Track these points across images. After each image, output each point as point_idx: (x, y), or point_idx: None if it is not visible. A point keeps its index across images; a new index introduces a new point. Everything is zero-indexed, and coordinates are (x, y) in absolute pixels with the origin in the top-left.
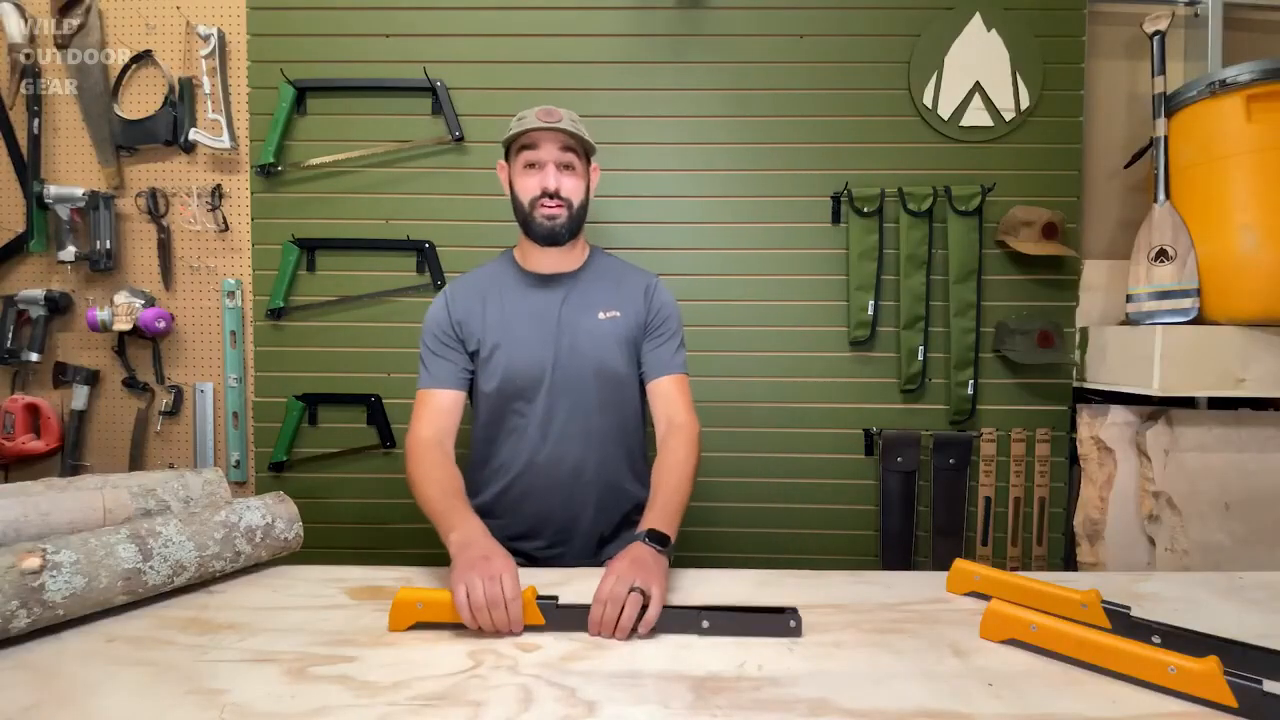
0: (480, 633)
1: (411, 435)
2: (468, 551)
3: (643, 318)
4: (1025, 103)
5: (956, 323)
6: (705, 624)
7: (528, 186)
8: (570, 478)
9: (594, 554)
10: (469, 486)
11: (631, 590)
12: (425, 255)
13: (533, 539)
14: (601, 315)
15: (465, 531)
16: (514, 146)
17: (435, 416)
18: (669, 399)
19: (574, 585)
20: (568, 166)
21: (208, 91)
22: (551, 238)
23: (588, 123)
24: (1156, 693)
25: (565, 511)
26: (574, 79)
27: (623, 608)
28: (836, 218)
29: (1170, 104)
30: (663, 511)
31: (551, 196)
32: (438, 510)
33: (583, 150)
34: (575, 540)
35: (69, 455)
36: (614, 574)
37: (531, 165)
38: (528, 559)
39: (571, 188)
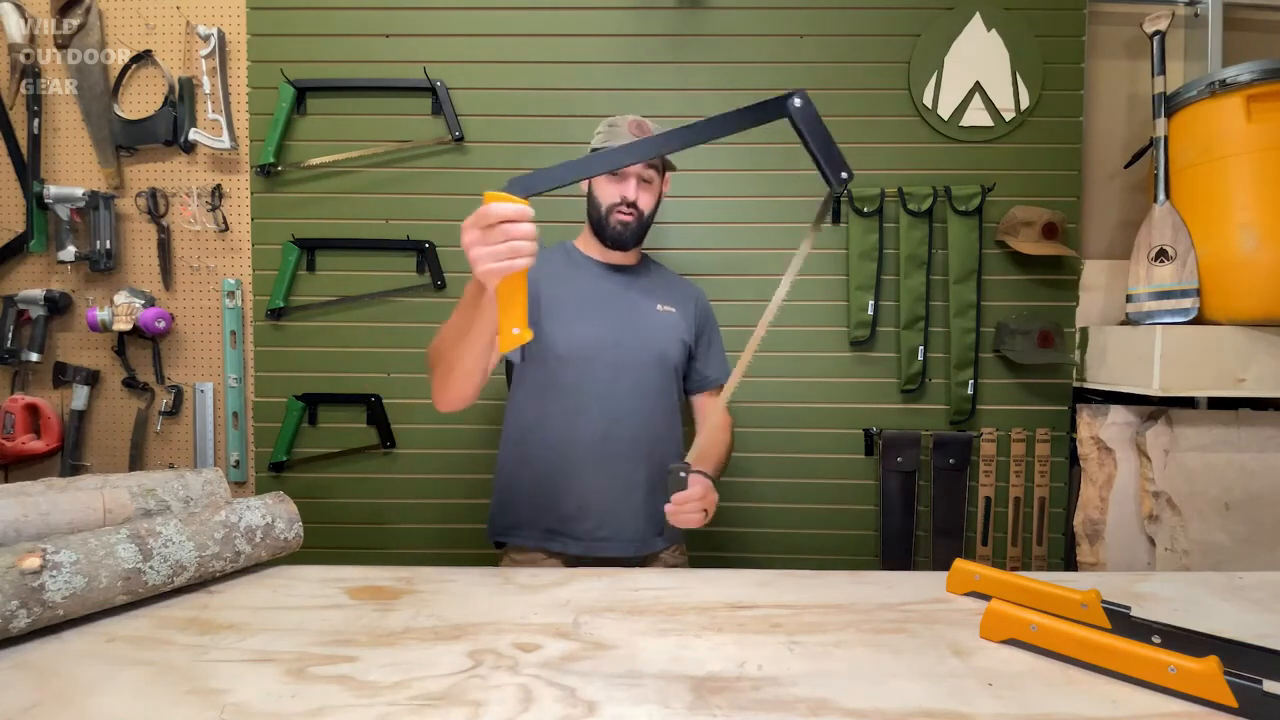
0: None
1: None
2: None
3: (692, 322)
4: (1025, 103)
5: (956, 323)
6: None
7: (608, 193)
8: (627, 451)
9: (642, 541)
10: (509, 473)
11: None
12: (425, 255)
13: (581, 520)
14: (659, 307)
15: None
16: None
17: None
18: (709, 412)
19: (576, 584)
20: (647, 180)
21: (208, 91)
22: (620, 244)
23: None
24: (1156, 693)
25: (616, 489)
26: (574, 79)
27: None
28: (836, 218)
29: (1170, 104)
30: (712, 462)
31: (630, 206)
32: (457, 311)
33: (662, 166)
34: (624, 522)
35: (69, 455)
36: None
37: (614, 174)
38: (572, 544)
39: (646, 201)
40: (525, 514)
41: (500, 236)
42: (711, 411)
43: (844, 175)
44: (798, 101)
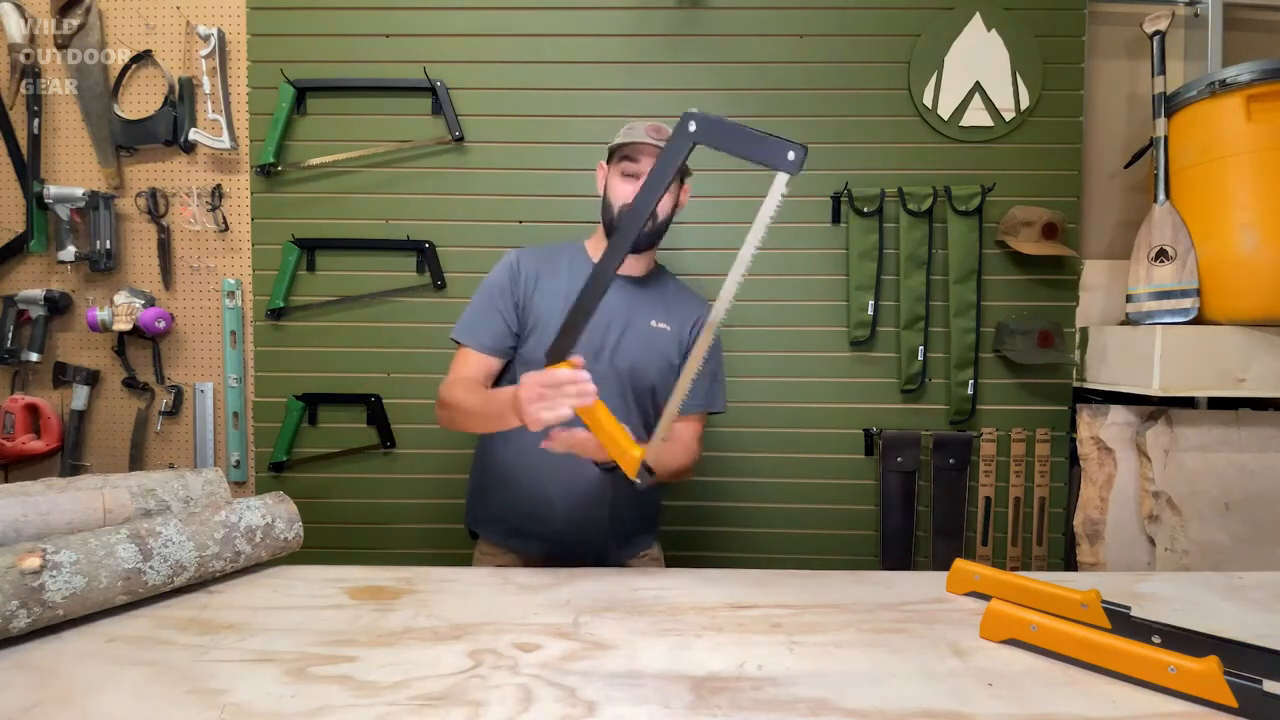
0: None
1: (442, 387)
2: (521, 390)
3: (686, 343)
4: (1025, 103)
5: (956, 323)
6: None
7: (621, 193)
8: (591, 468)
9: (603, 551)
10: (483, 466)
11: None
12: (425, 255)
13: (542, 523)
14: (653, 323)
15: (510, 388)
16: (616, 154)
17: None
18: (678, 434)
19: (576, 584)
20: None
21: (208, 91)
22: (633, 245)
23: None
24: (1156, 693)
25: (578, 497)
26: (574, 79)
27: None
28: (836, 218)
29: (1170, 104)
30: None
31: None
32: (484, 404)
33: (679, 172)
34: (584, 531)
35: (69, 455)
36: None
37: (628, 175)
38: (535, 545)
39: (662, 204)
40: (494, 509)
41: (555, 394)
42: (683, 434)
43: (791, 156)
44: (693, 126)
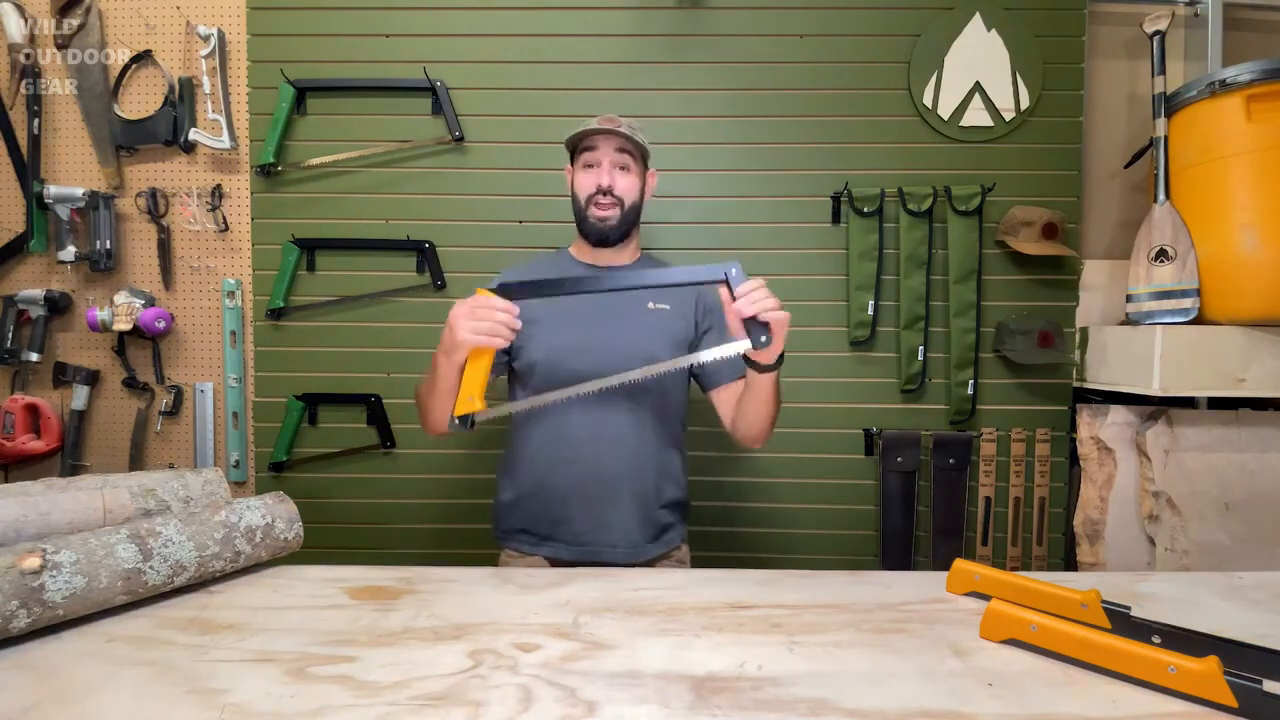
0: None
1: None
2: (454, 309)
3: (691, 316)
4: (1025, 103)
5: (956, 323)
6: None
7: (584, 184)
8: (611, 456)
9: (632, 548)
10: (506, 476)
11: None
12: (425, 255)
13: (567, 525)
14: (651, 305)
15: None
16: (576, 150)
17: None
18: (729, 400)
19: (576, 584)
20: (623, 167)
21: (208, 91)
22: (602, 237)
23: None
24: (1156, 693)
25: (601, 494)
26: (574, 79)
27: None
28: (836, 218)
29: (1170, 104)
30: None
31: (605, 194)
32: (430, 368)
33: (639, 155)
34: (610, 529)
35: (69, 455)
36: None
37: (589, 165)
38: (563, 549)
39: (625, 187)
40: (518, 519)
41: (486, 315)
42: (731, 398)
43: (764, 339)
44: (733, 271)
